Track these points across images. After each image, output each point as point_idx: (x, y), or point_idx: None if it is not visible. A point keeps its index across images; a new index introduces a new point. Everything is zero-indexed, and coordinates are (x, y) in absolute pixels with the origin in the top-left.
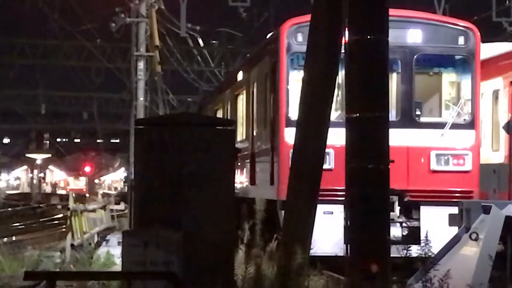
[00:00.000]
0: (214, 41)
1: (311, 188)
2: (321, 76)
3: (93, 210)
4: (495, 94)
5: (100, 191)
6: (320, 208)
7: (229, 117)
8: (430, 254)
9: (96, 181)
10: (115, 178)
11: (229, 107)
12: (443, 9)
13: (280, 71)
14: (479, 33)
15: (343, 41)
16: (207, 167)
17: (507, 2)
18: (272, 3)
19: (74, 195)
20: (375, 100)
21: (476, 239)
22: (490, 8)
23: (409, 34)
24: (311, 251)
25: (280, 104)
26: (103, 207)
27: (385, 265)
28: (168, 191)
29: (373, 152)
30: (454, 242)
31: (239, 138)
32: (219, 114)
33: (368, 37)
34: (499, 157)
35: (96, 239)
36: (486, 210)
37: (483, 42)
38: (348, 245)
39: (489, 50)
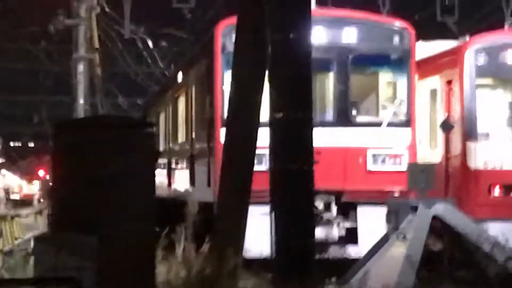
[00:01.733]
0: (164, 43)
1: (242, 189)
2: (250, 76)
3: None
4: (433, 93)
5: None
6: (258, 210)
7: (170, 119)
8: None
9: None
10: None
11: (170, 109)
12: (387, 8)
13: (215, 72)
14: (414, 32)
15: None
16: (126, 170)
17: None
18: (217, 4)
19: (21, 199)
20: (298, 100)
21: (403, 239)
22: (435, 7)
23: (344, 33)
24: (250, 253)
25: (215, 105)
26: (39, 212)
27: (310, 266)
28: (86, 195)
29: (297, 153)
30: (382, 243)
31: (180, 140)
32: (162, 116)
33: (291, 36)
34: (436, 156)
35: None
36: (413, 209)
37: (425, 40)
38: (274, 247)
39: (428, 49)
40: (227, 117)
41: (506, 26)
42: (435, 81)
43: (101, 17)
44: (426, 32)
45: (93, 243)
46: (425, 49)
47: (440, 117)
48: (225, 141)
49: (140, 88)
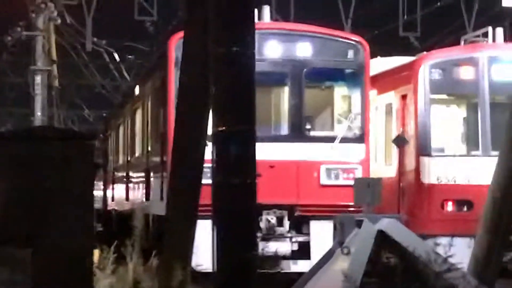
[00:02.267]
0: (130, 56)
1: (190, 203)
2: (196, 89)
3: None
4: (389, 108)
5: None
6: (209, 224)
7: (128, 132)
8: None
9: None
10: None
11: (129, 122)
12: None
13: (169, 85)
14: (368, 46)
15: None
16: (64, 182)
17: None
18: (179, 16)
19: None
20: (241, 113)
21: (348, 254)
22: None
23: (298, 47)
24: (202, 267)
25: (169, 118)
26: None
27: (251, 281)
28: (23, 207)
29: (239, 167)
30: (327, 257)
31: (137, 153)
32: (121, 129)
33: (233, 49)
34: (392, 171)
35: None
36: (359, 224)
37: (386, 56)
38: (216, 261)
39: (387, 64)
40: (174, 130)
41: (462, 42)
42: (391, 96)
43: (65, 29)
44: (391, 47)
45: (25, 257)
46: (384, 64)
47: (396, 132)
48: (172, 155)
49: (106, 100)
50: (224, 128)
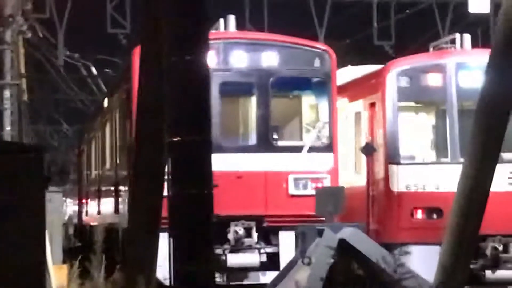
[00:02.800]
0: (107, 69)
1: (152, 216)
2: (154, 100)
3: None
4: (358, 116)
5: None
6: None
7: (100, 145)
8: None
9: None
10: None
11: (99, 135)
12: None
13: (133, 97)
14: (334, 55)
15: None
16: (12, 197)
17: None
18: None
19: None
20: (196, 123)
21: (309, 264)
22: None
23: (264, 57)
24: (167, 280)
25: (133, 130)
26: None
27: None
28: None
29: (196, 177)
30: (289, 268)
31: (107, 166)
32: (93, 143)
33: (187, 58)
34: (361, 180)
35: None
36: (321, 234)
37: (361, 65)
38: (173, 273)
39: (355, 72)
40: (135, 141)
41: (430, 49)
42: (360, 105)
43: (39, 42)
44: (366, 56)
45: None
46: (355, 73)
47: (365, 140)
48: (133, 167)
49: (85, 115)
50: (178, 138)
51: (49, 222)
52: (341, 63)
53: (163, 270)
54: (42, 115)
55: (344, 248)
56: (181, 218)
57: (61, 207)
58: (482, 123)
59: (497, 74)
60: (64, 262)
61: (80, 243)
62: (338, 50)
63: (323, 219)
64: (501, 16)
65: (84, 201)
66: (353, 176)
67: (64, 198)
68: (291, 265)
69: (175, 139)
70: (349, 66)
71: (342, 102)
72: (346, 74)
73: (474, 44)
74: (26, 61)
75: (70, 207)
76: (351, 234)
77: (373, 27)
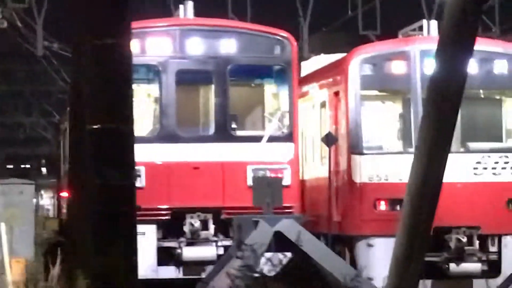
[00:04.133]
0: None
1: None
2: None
3: None
4: (323, 106)
5: None
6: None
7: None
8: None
9: None
10: None
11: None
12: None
13: None
14: (295, 43)
15: None
16: None
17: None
18: None
19: None
20: (117, 111)
21: (242, 257)
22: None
23: (222, 44)
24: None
25: None
26: None
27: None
28: None
29: (117, 167)
30: (226, 260)
31: None
32: (66, 135)
33: (108, 41)
34: (326, 171)
35: None
36: (257, 225)
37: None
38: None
39: (328, 60)
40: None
41: (399, 36)
42: (325, 93)
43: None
44: (352, 46)
45: None
46: (327, 61)
47: (329, 130)
48: (69, 159)
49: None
50: (98, 126)
51: (11, 214)
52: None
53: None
54: (35, 107)
55: (281, 241)
56: (102, 210)
57: (32, 199)
58: (432, 112)
59: (446, 62)
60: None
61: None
62: (322, 40)
63: (285, 211)
64: None
65: (61, 194)
66: (318, 167)
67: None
68: (228, 257)
69: (94, 127)
70: (322, 55)
71: (310, 91)
72: (318, 62)
73: None
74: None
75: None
76: (287, 226)
77: (358, 16)
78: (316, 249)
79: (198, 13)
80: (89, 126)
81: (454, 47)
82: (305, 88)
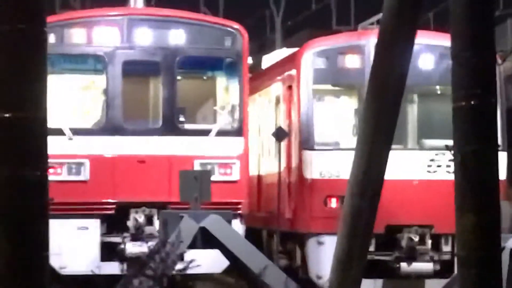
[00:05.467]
0: None
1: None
2: None
3: None
4: (277, 100)
5: None
6: (74, 223)
7: None
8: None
9: None
10: None
11: None
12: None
13: None
14: (247, 35)
15: None
16: None
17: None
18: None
19: None
20: (29, 98)
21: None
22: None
23: (171, 35)
24: (64, 270)
25: None
26: None
27: (43, 280)
28: None
29: (27, 158)
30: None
31: None
32: None
33: (21, 27)
34: (277, 166)
35: None
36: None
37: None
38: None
39: (281, 56)
40: None
41: (359, 29)
42: (279, 88)
43: None
44: None
45: None
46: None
47: (283, 125)
48: None
49: None
50: (8, 114)
51: None
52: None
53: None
54: None
55: (207, 237)
56: (12, 203)
57: None
58: (372, 104)
59: (386, 54)
60: None
61: None
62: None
63: (232, 206)
64: None
65: None
66: (272, 162)
67: None
68: (152, 253)
69: (5, 115)
70: (284, 48)
71: (267, 85)
72: (278, 56)
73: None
74: None
75: None
76: (212, 222)
77: (332, 12)
78: (238, 245)
79: (167, 4)
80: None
81: (393, 39)
82: (263, 82)
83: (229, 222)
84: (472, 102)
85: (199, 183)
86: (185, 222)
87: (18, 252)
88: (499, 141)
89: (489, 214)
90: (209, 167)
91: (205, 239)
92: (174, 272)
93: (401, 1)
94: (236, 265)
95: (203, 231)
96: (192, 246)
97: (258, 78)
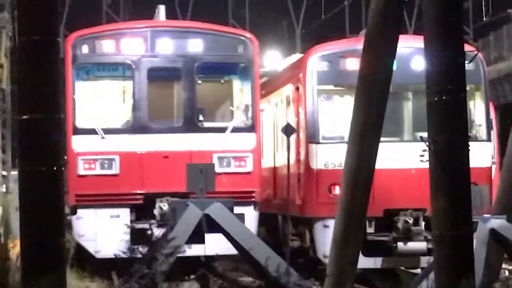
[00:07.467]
0: None
1: None
2: None
3: None
4: (288, 100)
5: None
6: (107, 212)
7: None
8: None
9: None
10: None
11: None
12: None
13: (67, 82)
14: (257, 42)
15: None
16: None
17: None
18: None
19: None
20: (44, 101)
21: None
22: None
23: (190, 44)
24: (99, 253)
25: (67, 113)
26: None
27: (62, 265)
28: None
29: (45, 154)
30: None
31: None
32: None
33: (36, 38)
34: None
35: None
36: None
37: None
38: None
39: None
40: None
41: (359, 35)
42: (289, 89)
43: None
44: None
45: None
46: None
47: (292, 122)
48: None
49: None
50: (27, 116)
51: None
52: None
53: (104, 245)
54: None
55: (211, 223)
56: (32, 194)
57: None
58: (362, 101)
59: (374, 51)
60: None
61: None
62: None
63: (246, 195)
64: None
65: None
66: (283, 156)
67: None
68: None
69: (23, 117)
70: (297, 54)
71: (279, 87)
72: (289, 61)
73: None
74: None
75: None
76: (216, 209)
77: (345, 22)
78: (237, 229)
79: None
80: (18, 116)
81: (381, 37)
82: (276, 84)
83: (231, 209)
84: (444, 97)
85: (204, 175)
86: (190, 210)
87: (36, 238)
88: (484, 133)
89: (460, 197)
90: (225, 160)
91: (209, 225)
92: (197, 254)
93: (385, 11)
94: (237, 247)
95: (208, 218)
96: (199, 231)
97: (273, 81)
